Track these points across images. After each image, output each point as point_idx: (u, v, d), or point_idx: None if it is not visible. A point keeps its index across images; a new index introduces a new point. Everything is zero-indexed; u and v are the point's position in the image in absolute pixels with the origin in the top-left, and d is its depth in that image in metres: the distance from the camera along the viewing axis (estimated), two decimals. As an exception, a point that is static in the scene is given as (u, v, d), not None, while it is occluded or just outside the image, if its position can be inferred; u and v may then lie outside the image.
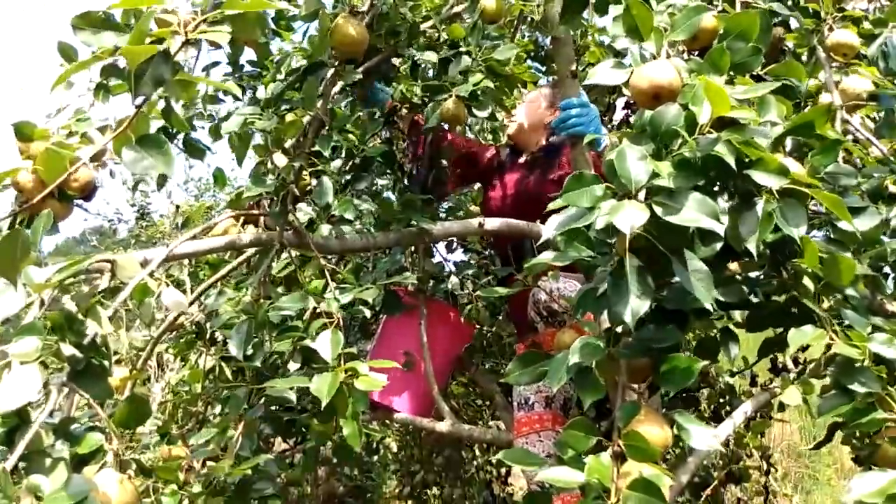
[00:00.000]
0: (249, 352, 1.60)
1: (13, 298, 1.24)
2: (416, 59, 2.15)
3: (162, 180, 2.15)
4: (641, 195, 1.11)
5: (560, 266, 2.00)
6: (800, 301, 1.27)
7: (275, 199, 1.64)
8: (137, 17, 1.21)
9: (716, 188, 1.17)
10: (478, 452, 3.43)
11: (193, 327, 2.04)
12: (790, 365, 2.59)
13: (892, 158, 1.57)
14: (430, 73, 2.25)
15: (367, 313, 1.63)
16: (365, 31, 1.61)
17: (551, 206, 1.21)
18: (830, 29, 1.81)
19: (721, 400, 2.92)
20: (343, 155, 2.20)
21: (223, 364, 2.01)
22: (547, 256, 1.30)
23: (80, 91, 1.86)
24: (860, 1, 2.03)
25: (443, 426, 2.33)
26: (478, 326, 2.71)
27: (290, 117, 1.63)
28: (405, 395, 2.43)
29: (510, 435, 2.31)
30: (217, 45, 1.21)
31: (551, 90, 2.46)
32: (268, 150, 1.96)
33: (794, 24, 1.83)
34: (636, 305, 1.07)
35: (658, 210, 1.07)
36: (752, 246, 1.13)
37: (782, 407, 2.37)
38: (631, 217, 1.04)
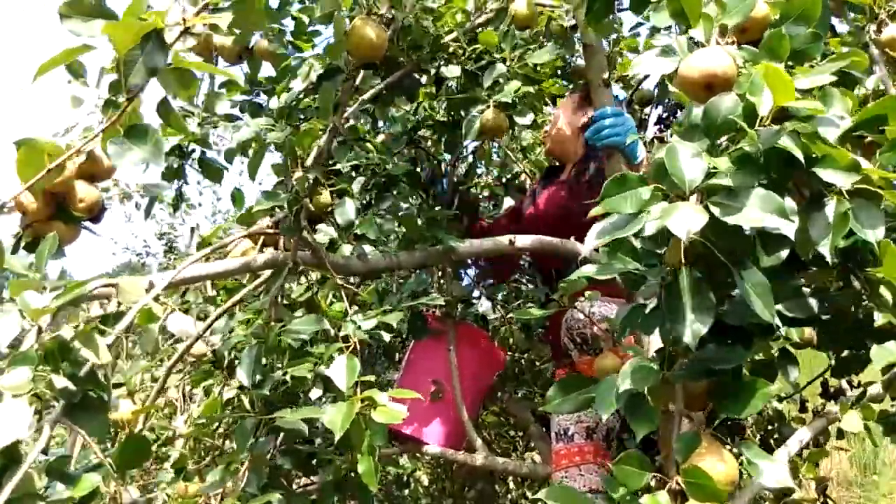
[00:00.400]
0: (258, 379, 1.48)
1: (7, 325, 1.14)
2: (440, 74, 2.05)
3: (177, 202, 2.07)
4: (694, 198, 0.98)
5: (599, 286, 1.89)
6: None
7: (288, 214, 1.53)
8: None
9: (780, 187, 1.03)
10: (512, 486, 3.26)
11: (211, 355, 1.94)
12: (846, 387, 2.40)
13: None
14: (455, 89, 2.14)
15: (387, 337, 1.51)
16: (384, 33, 1.51)
17: (592, 212, 1.08)
18: (883, 24, 1.68)
19: (769, 427, 2.73)
20: (363, 173, 2.11)
21: (241, 394, 1.90)
22: (588, 269, 1.16)
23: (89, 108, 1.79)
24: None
25: (476, 458, 2.19)
26: (510, 352, 2.57)
27: (304, 127, 1.53)
28: (435, 425, 2.29)
29: (547, 468, 2.16)
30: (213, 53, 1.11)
31: (578, 95, 2.35)
32: (287, 169, 1.86)
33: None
34: (696, 324, 0.94)
35: (716, 211, 0.94)
36: (825, 251, 0.99)
37: (841, 434, 2.19)
38: (688, 220, 0.91)
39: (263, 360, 1.41)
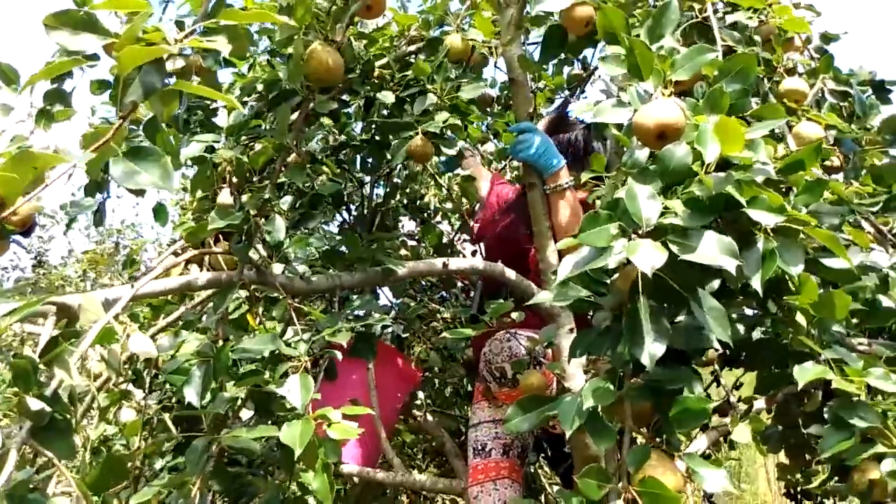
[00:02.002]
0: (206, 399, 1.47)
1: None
2: (370, 97, 2.10)
3: (99, 218, 2.00)
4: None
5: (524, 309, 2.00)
6: (792, 338, 1.29)
7: (237, 234, 1.53)
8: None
9: (720, 226, 1.17)
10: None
11: (131, 374, 1.88)
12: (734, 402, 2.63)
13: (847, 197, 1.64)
14: (385, 113, 2.20)
15: (339, 356, 1.54)
16: (340, 59, 1.55)
17: (559, 245, 1.17)
18: (782, 76, 1.90)
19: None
20: (290, 192, 2.12)
21: (162, 414, 1.86)
22: (545, 296, 1.26)
23: (19, 116, 1.71)
24: (793, 52, 2.15)
25: (392, 477, 2.23)
26: (426, 371, 2.63)
27: (258, 146, 1.53)
28: (351, 444, 2.31)
29: (462, 484, 2.23)
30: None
31: (546, 120, 2.44)
32: (214, 183, 1.85)
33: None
34: (654, 347, 1.05)
35: (674, 248, 1.06)
36: (757, 284, 1.13)
37: (733, 445, 2.40)
38: (651, 257, 1.02)
39: (213, 380, 1.40)
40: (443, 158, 2.54)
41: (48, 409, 1.06)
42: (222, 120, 1.69)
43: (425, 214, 3.43)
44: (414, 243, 3.33)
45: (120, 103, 0.98)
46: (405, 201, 3.10)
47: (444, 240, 3.29)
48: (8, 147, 1.52)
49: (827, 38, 2.21)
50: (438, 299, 3.10)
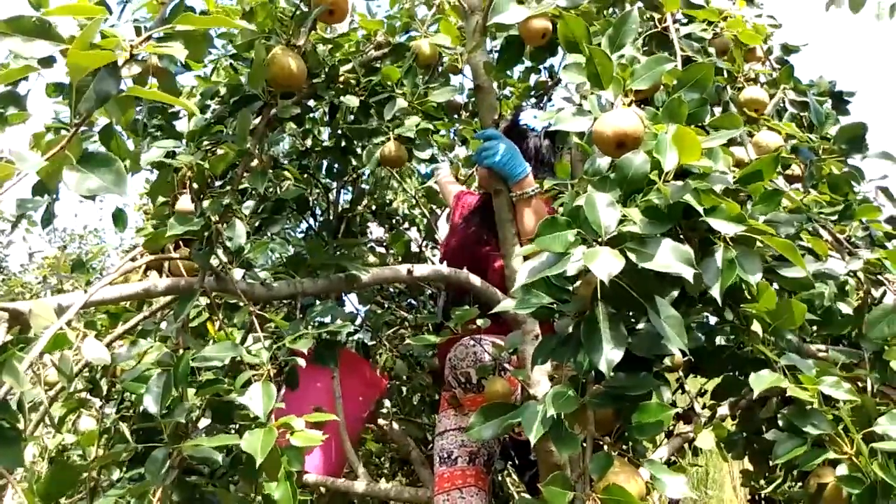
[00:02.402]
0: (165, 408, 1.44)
1: None
2: (335, 102, 2.09)
3: (47, 220, 1.95)
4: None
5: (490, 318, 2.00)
6: (749, 345, 1.30)
7: (197, 240, 1.51)
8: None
9: (679, 234, 1.18)
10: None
11: (87, 383, 1.84)
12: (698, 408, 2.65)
13: (805, 205, 1.66)
14: (350, 118, 2.19)
15: (302, 363, 1.52)
16: (303, 64, 1.54)
17: (522, 251, 1.17)
18: (742, 85, 1.93)
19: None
20: (252, 196, 2.10)
21: (120, 424, 1.82)
22: (508, 304, 1.26)
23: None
24: (754, 62, 2.18)
25: (358, 486, 2.21)
26: (392, 379, 2.61)
27: (220, 151, 1.51)
28: (315, 453, 2.29)
29: (428, 493, 2.22)
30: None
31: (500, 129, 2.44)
32: (174, 189, 1.82)
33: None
34: (611, 354, 1.05)
35: (632, 256, 1.06)
36: (716, 293, 1.14)
37: (697, 451, 2.42)
38: (608, 264, 1.02)
39: (173, 389, 1.37)
40: (427, 170, 2.54)
41: (-7, 417, 1.03)
42: (184, 125, 1.67)
43: (393, 220, 3.42)
44: (382, 250, 3.32)
45: (74, 110, 0.96)
46: (373, 207, 3.09)
47: (414, 247, 3.29)
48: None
49: (788, 49, 2.26)
50: (406, 306, 3.09)
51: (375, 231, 3.49)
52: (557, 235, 1.08)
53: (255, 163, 1.60)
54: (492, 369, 1.97)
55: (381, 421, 2.52)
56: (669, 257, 1.06)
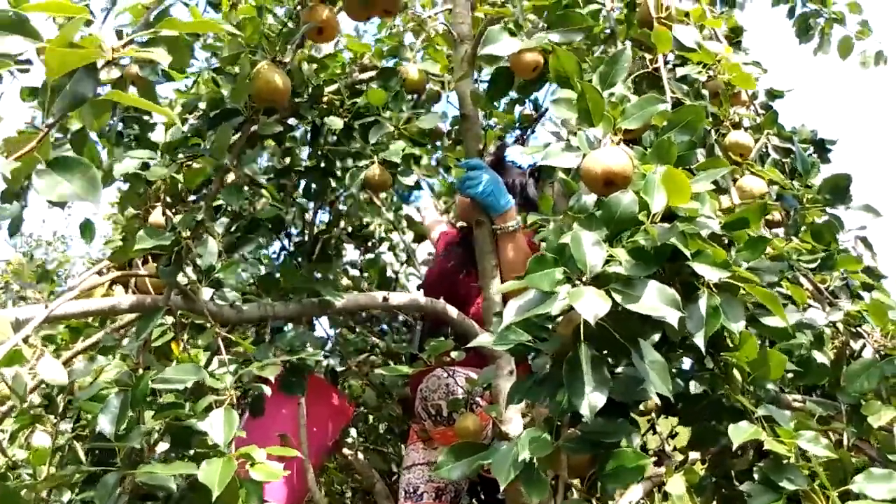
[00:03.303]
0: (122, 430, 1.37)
1: None
2: (317, 122, 2.06)
3: (14, 227, 1.89)
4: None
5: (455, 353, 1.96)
6: (728, 394, 1.28)
7: (166, 256, 1.45)
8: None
9: (664, 277, 1.16)
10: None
11: (43, 399, 1.76)
12: (668, 450, 2.62)
13: (786, 253, 1.65)
14: (333, 140, 2.15)
15: (268, 391, 1.47)
16: (288, 81, 1.51)
17: (503, 287, 1.14)
18: (727, 129, 1.93)
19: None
20: (226, 214, 2.04)
21: (75, 443, 1.74)
22: (485, 339, 1.22)
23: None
24: (739, 106, 2.19)
25: (319, 515, 2.14)
26: (359, 407, 2.55)
27: (196, 164, 1.46)
28: (277, 483, 2.22)
29: (391, 526, 2.17)
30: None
31: None
32: (146, 202, 1.77)
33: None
34: (594, 398, 1.02)
35: (618, 298, 1.03)
36: (700, 340, 1.12)
37: (666, 496, 2.38)
38: (594, 305, 0.99)
39: (130, 411, 1.31)
40: (412, 198, 2.51)
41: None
42: (159, 136, 1.62)
43: (369, 243, 3.38)
44: (356, 273, 3.27)
45: (47, 111, 0.91)
46: (349, 229, 3.04)
47: (389, 272, 3.25)
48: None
49: (772, 94, 2.27)
50: (378, 331, 3.03)
51: (350, 253, 3.44)
52: (546, 273, 1.05)
53: (230, 178, 1.56)
54: (464, 403, 1.93)
55: (345, 450, 2.46)
56: (655, 300, 1.03)
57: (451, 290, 2.12)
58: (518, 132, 2.74)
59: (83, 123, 0.98)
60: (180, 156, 1.55)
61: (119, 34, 1.76)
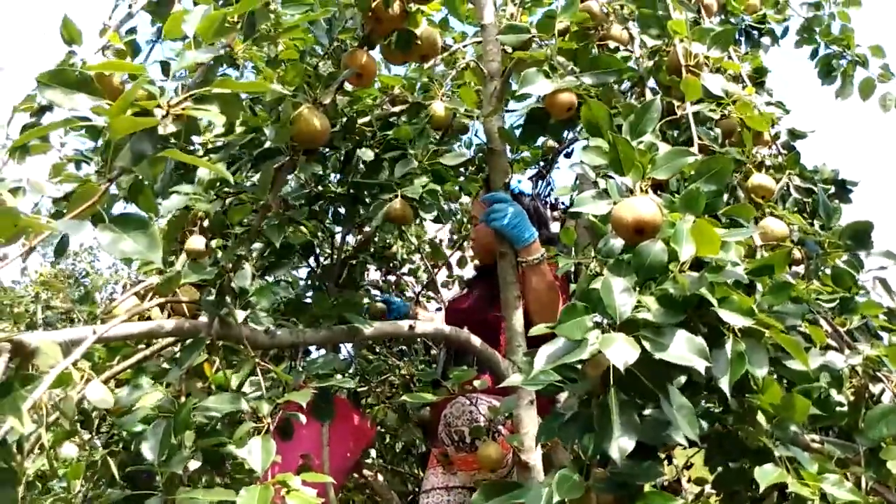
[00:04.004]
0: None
1: None
2: (349, 152, 2.12)
3: (60, 248, 1.96)
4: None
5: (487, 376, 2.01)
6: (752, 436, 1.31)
7: (208, 287, 1.51)
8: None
9: (692, 324, 1.20)
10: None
11: (79, 415, 1.81)
12: (684, 483, 2.65)
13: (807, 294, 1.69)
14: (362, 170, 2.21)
15: (303, 419, 1.52)
16: (328, 123, 1.57)
17: (533, 330, 1.20)
18: (750, 172, 1.97)
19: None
20: (260, 239, 2.10)
21: (109, 460, 1.79)
22: (516, 379, 1.27)
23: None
24: (761, 146, 2.23)
25: (340, 536, 2.19)
26: (382, 429, 2.60)
27: (239, 199, 1.53)
28: None
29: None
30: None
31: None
32: (183, 227, 1.84)
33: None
34: (623, 442, 1.06)
35: (647, 345, 1.08)
36: (725, 385, 1.16)
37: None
38: (624, 353, 1.04)
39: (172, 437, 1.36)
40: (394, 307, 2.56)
41: (-3, 458, 1.02)
42: (203, 171, 1.68)
43: (391, 265, 3.44)
44: (377, 293, 3.32)
45: (109, 167, 0.97)
46: (372, 250, 3.10)
47: (409, 293, 3.30)
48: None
49: (794, 134, 2.31)
50: (398, 353, 3.08)
51: (373, 274, 3.50)
52: (577, 322, 1.10)
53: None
54: (486, 431, 1.98)
55: (365, 471, 2.50)
56: (684, 349, 1.08)
57: (481, 322, 2.17)
58: (541, 163, 2.79)
59: (141, 176, 1.03)
60: (224, 190, 1.61)
61: (165, 68, 1.84)
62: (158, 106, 1.03)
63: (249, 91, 1.06)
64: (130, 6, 1.82)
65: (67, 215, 1.01)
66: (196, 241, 1.81)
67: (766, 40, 2.68)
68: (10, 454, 1.07)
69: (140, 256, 0.90)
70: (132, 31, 1.87)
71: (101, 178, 1.90)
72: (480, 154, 2.89)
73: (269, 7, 1.21)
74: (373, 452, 2.70)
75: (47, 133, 1.17)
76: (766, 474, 1.20)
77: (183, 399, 1.46)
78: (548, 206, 2.41)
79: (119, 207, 1.93)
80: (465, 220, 3.09)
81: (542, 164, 2.76)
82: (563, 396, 1.43)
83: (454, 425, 2.05)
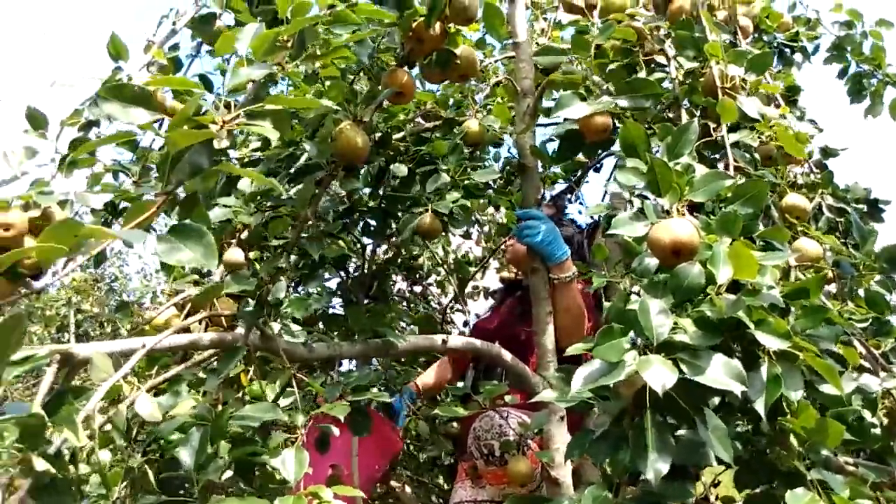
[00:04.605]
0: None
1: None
2: (382, 166, 2.15)
3: (100, 257, 2.01)
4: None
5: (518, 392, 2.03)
6: (782, 458, 1.32)
7: (247, 298, 1.55)
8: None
9: (728, 346, 1.21)
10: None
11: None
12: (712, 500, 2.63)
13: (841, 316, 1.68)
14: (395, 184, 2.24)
15: (336, 431, 1.54)
16: (367, 140, 1.60)
17: (570, 350, 1.22)
18: (784, 192, 1.97)
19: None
20: (295, 252, 2.14)
21: (145, 467, 1.83)
22: (549, 395, 1.29)
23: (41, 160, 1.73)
24: (794, 165, 2.23)
25: (367, 546, 2.21)
26: (410, 440, 2.62)
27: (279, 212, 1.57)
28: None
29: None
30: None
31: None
32: (222, 238, 1.88)
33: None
34: (658, 463, 1.07)
35: (685, 368, 1.09)
36: (760, 408, 1.17)
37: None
38: (662, 376, 1.05)
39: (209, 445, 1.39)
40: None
41: (52, 469, 1.06)
42: (245, 184, 1.72)
43: (417, 275, 3.47)
44: (403, 302, 3.36)
45: (166, 179, 1.01)
46: (398, 260, 3.13)
47: (435, 304, 3.33)
48: (29, 191, 1.55)
49: (827, 152, 2.31)
50: (424, 364, 3.10)
51: (400, 284, 3.53)
52: (614, 344, 1.11)
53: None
54: (516, 445, 1.99)
55: (392, 482, 2.52)
56: (720, 372, 1.09)
57: (512, 337, 2.19)
58: (571, 178, 2.80)
59: (196, 189, 1.07)
60: (266, 204, 1.65)
61: (205, 82, 1.89)
62: (213, 121, 1.06)
63: (300, 107, 1.09)
64: (174, 23, 1.87)
65: (126, 225, 1.04)
66: (235, 253, 1.85)
67: (797, 57, 2.68)
68: (65, 465, 1.10)
69: (197, 265, 0.93)
70: (175, 47, 1.92)
71: (139, 189, 1.96)
72: (508, 167, 2.93)
73: (318, 27, 1.24)
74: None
75: (96, 147, 1.19)
76: (797, 498, 1.20)
77: (220, 408, 1.49)
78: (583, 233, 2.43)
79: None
80: (493, 232, 3.11)
81: (571, 178, 2.78)
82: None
83: (483, 439, 2.06)
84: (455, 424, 2.44)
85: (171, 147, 0.99)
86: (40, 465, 1.00)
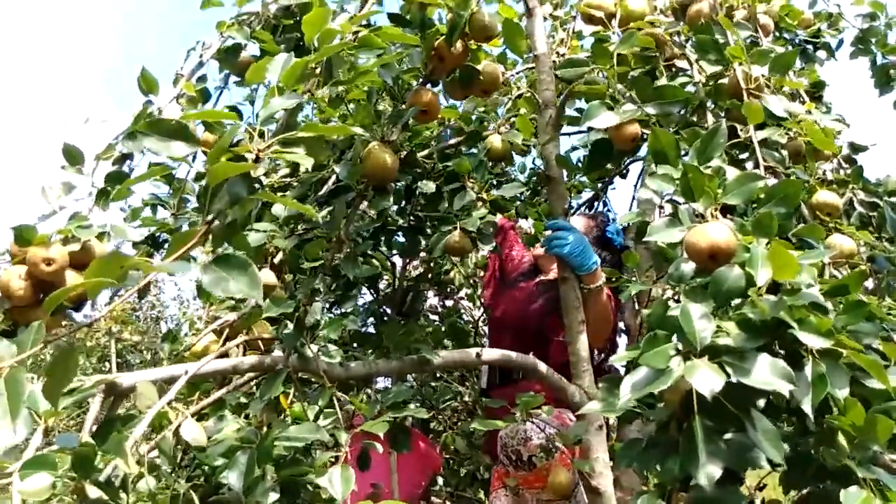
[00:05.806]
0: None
1: (15, 427, 1.12)
2: (409, 183, 2.17)
3: (143, 290, 2.04)
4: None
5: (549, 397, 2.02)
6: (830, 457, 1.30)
7: (285, 320, 1.57)
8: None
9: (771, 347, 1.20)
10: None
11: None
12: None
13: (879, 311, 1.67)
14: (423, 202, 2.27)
15: (380, 448, 1.55)
16: (396, 159, 1.62)
17: (613, 359, 1.22)
18: (814, 189, 1.95)
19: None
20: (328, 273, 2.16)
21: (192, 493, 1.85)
22: (593, 406, 1.29)
23: (78, 195, 1.77)
24: (823, 161, 2.21)
25: (411, 563, 2.21)
26: (450, 455, 2.63)
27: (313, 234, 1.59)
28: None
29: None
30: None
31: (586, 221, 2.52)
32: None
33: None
34: (710, 468, 1.07)
35: (730, 371, 1.09)
36: (807, 407, 1.16)
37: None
38: (710, 381, 1.05)
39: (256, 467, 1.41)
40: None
41: (105, 496, 1.08)
42: (279, 209, 1.75)
43: (448, 289, 3.48)
44: (436, 318, 3.37)
45: (207, 209, 1.03)
46: (429, 275, 3.15)
47: (466, 316, 3.33)
48: (68, 225, 1.59)
49: (855, 148, 2.29)
50: (460, 378, 3.11)
51: (430, 299, 3.55)
52: (659, 351, 1.11)
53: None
54: (545, 451, 2.00)
55: (433, 498, 2.53)
56: (767, 373, 1.08)
57: (536, 329, 2.21)
58: (598, 184, 2.81)
59: (234, 217, 1.09)
60: (299, 227, 1.67)
61: (234, 111, 1.92)
62: (249, 150, 1.08)
63: (332, 134, 1.11)
64: (201, 56, 1.91)
65: (169, 256, 1.07)
66: (267, 276, 1.88)
67: (821, 54, 2.66)
68: (116, 493, 1.12)
69: (243, 295, 0.95)
70: (202, 79, 1.96)
71: (178, 221, 2.00)
72: (534, 178, 2.93)
73: (344, 53, 1.27)
74: (439, 479, 2.72)
75: (136, 182, 1.22)
76: (852, 497, 1.18)
77: (264, 430, 1.51)
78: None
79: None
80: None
81: (599, 184, 2.78)
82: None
83: (510, 445, 2.09)
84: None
85: (210, 179, 1.01)
86: (93, 492, 1.02)
